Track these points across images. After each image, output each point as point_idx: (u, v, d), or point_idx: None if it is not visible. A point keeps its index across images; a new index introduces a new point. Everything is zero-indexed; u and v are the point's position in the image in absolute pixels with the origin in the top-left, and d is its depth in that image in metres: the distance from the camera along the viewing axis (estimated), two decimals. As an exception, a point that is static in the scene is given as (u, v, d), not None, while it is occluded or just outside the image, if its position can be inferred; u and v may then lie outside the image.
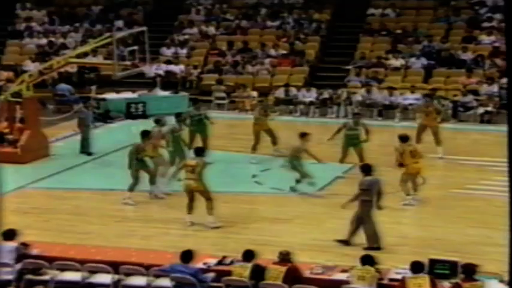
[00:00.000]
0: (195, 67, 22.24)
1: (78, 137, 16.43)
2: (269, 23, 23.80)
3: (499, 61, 19.78)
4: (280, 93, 19.98)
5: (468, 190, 12.63)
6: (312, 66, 21.95)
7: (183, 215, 11.37)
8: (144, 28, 18.22)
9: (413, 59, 21.17)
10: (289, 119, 18.96)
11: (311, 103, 19.66)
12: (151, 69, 21.44)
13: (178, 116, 14.10)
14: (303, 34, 23.08)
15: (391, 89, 19.43)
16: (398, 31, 22.49)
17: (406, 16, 23.20)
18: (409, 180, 11.95)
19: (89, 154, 15.14)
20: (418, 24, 22.59)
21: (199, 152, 11.44)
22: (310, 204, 12.13)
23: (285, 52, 22.23)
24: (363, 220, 10.21)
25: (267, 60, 21.96)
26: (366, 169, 10.46)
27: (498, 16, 21.49)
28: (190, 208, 11.07)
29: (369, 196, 10.21)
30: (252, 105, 19.53)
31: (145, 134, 12.66)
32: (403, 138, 12.30)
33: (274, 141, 14.85)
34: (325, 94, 19.83)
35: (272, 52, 22.40)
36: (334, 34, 23.15)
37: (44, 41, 23.75)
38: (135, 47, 17.38)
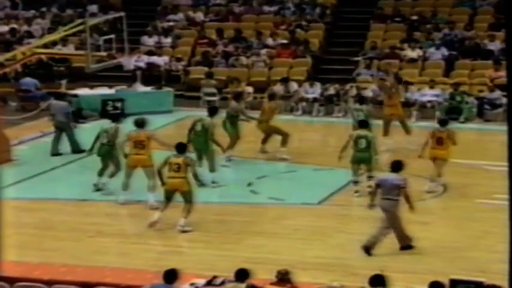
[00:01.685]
0: (181, 59, 22.25)
1: (46, 139, 16.40)
2: (266, 8, 23.82)
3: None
4: (279, 88, 19.98)
5: (496, 200, 12.63)
6: (315, 58, 21.96)
7: (165, 229, 11.34)
8: (122, 14, 18.24)
9: (432, 49, 21.20)
10: (290, 118, 18.93)
11: (315, 100, 19.67)
12: (131, 61, 21.43)
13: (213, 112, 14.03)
14: (305, 21, 23.09)
15: (406, 83, 19.45)
16: (415, 17, 22.53)
17: (424, 0, 23.23)
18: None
19: (82, 151, 15.10)
20: (438, 9, 22.64)
21: (181, 148, 11.57)
22: (314, 216, 12.13)
23: (284, 41, 22.24)
24: (394, 221, 10.42)
25: (264, 51, 21.96)
26: (396, 167, 10.59)
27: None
28: (164, 207, 11.36)
29: (396, 195, 10.40)
30: (247, 103, 19.54)
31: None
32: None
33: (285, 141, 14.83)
34: (331, 90, 19.85)
35: (269, 41, 22.41)
36: (341, 20, 23.17)
37: (5, 28, 23.70)
38: (112, 36, 17.42)
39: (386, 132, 15.63)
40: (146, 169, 12.42)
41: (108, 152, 12.97)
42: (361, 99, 16.12)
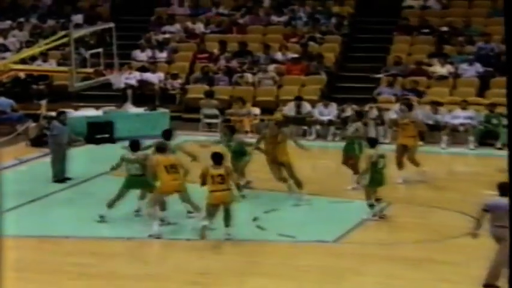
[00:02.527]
0: (178, 76, 22.36)
1: (22, 168, 16.46)
2: (274, 18, 23.98)
3: None
4: (289, 109, 20.03)
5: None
6: (331, 75, 22.04)
7: (159, 269, 11.33)
8: (111, 25, 18.36)
9: (464, 65, 21.25)
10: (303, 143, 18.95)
11: (330, 122, 19.71)
12: (121, 79, 21.55)
13: None
14: (319, 32, 23.23)
15: (435, 104, 19.47)
16: (445, 28, 22.62)
17: (455, 8, 23.36)
18: None
19: (63, 181, 15.50)
20: (471, 20, 22.75)
21: (220, 158, 12.44)
22: (328, 255, 12.09)
23: (295, 56, 22.35)
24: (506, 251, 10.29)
25: (272, 67, 22.07)
26: (505, 189, 10.31)
27: None
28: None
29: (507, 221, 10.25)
30: (253, 126, 19.60)
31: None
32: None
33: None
34: (349, 111, 19.87)
35: (278, 56, 22.53)
36: (360, 32, 23.30)
37: (-22, 41, 23.91)
38: (99, 50, 17.50)
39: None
40: (182, 194, 12.98)
41: (142, 182, 13.07)
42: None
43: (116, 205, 13.27)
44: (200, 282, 11.15)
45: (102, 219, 13.26)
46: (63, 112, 16.56)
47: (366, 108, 19.74)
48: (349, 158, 15.09)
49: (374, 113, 19.50)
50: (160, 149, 13.19)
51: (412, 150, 15.59)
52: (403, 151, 15.60)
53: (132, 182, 13.27)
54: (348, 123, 15.88)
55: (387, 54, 22.20)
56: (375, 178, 13.21)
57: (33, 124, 19.17)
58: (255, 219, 13.52)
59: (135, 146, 13.49)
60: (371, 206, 13.30)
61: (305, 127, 19.77)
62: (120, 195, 13.29)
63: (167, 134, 14.11)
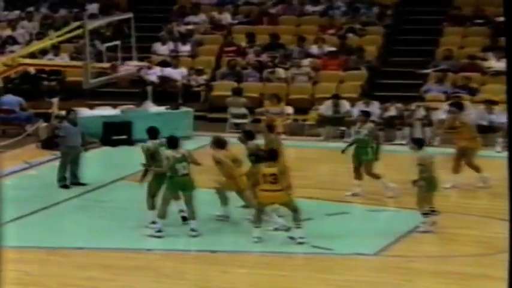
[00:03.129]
0: (202, 71, 22.40)
1: (32, 172, 16.57)
2: (309, 8, 23.96)
3: None
4: (326, 108, 19.97)
5: None
6: (372, 70, 21.96)
7: (178, 285, 11.35)
8: (130, 15, 18.44)
9: (522, 59, 21.04)
10: (340, 146, 18.87)
11: (371, 123, 19.57)
12: (140, 74, 21.62)
13: None
14: (359, 23, 23.15)
15: (489, 103, 19.28)
16: (501, 18, 22.41)
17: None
18: None
19: (68, 187, 15.59)
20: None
21: (275, 155, 12.70)
22: (368, 269, 12.03)
23: (332, 49, 22.31)
24: None
25: (307, 61, 22.03)
26: None
27: None
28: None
29: None
30: (286, 126, 19.54)
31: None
32: None
33: None
34: (392, 110, 19.77)
35: (314, 49, 22.49)
36: (405, 23, 23.19)
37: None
38: (117, 42, 17.58)
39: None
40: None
41: (191, 183, 13.15)
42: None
43: (167, 213, 13.09)
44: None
45: (158, 233, 12.98)
46: (73, 111, 16.59)
47: (412, 107, 19.64)
48: (360, 163, 14.99)
49: (421, 112, 19.38)
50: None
51: (471, 154, 15.47)
52: (462, 155, 15.49)
53: (181, 184, 12.98)
54: (357, 125, 15.76)
55: (436, 47, 22.09)
56: (430, 183, 13.10)
57: (44, 124, 19.29)
58: (287, 229, 13.48)
59: (175, 142, 13.29)
60: (425, 214, 13.14)
61: (343, 128, 19.68)
62: (166, 201, 13.03)
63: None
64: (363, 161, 15.02)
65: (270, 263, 12.35)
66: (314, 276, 11.78)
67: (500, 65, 21.04)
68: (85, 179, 15.97)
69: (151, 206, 13.41)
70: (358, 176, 15.06)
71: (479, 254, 12.35)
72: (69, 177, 15.68)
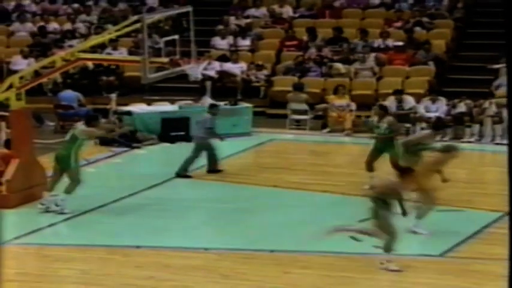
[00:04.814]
0: (262, 66, 22.54)
1: (90, 169, 16.89)
2: (374, 1, 23.91)
3: None
4: (390, 104, 19.94)
5: None
6: (440, 65, 21.86)
7: (239, 285, 11.45)
8: (189, 8, 18.62)
9: None
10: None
11: (439, 120, 19.53)
12: (198, 69, 21.83)
13: None
14: (428, 16, 23.05)
15: None
16: None
17: None
18: None
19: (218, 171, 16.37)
20: None
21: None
22: (434, 271, 12.02)
23: (399, 43, 22.27)
24: None
25: (371, 56, 22.03)
26: None
27: None
28: None
29: None
30: (354, 122, 19.58)
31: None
32: None
33: None
34: (461, 107, 19.68)
35: (379, 43, 22.46)
36: (477, 16, 23.02)
37: (44, 26, 24.58)
38: (175, 37, 17.76)
39: None
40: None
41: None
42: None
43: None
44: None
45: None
46: (216, 105, 17.32)
47: (482, 103, 19.52)
48: (377, 157, 15.11)
49: (492, 109, 19.24)
50: None
51: None
52: None
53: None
54: (375, 119, 15.76)
55: (509, 41, 21.78)
56: None
57: (103, 120, 19.61)
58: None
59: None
60: None
61: (408, 125, 19.64)
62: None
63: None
64: (390, 153, 15.04)
65: (333, 264, 12.39)
66: (378, 278, 11.81)
67: None
68: (142, 176, 16.22)
69: None
70: (370, 168, 15.22)
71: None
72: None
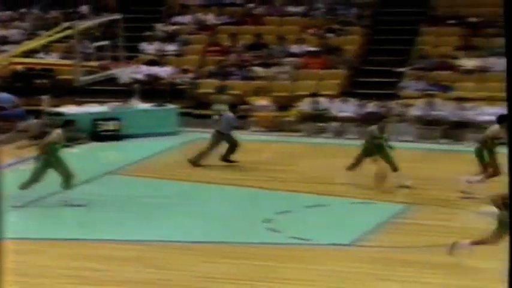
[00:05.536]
0: (188, 70, 22.49)
1: (23, 167, 16.63)
2: (291, 9, 24.03)
3: None
4: (306, 105, 20.11)
5: None
6: (351, 69, 22.07)
7: (166, 275, 11.41)
8: (119, 16, 18.51)
9: (493, 59, 21.23)
10: (318, 142, 19.07)
11: (349, 119, 19.75)
12: (127, 73, 21.70)
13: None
14: (339, 23, 23.25)
15: (461, 100, 19.48)
16: (474, 19, 22.58)
17: (486, -1, 23.26)
18: None
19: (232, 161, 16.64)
20: (502, 10, 22.64)
21: None
22: (345, 260, 12.14)
23: (313, 49, 22.41)
24: None
25: (288, 60, 22.14)
26: None
27: None
28: None
29: None
30: (273, 121, 19.68)
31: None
32: None
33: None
34: (370, 107, 19.92)
35: (295, 49, 22.59)
36: (383, 23, 23.29)
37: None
38: (106, 42, 17.65)
39: None
40: None
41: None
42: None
43: None
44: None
45: None
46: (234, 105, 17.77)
47: (389, 104, 19.78)
48: (366, 157, 15.17)
49: (397, 109, 19.53)
50: None
51: None
52: None
53: None
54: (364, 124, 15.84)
55: (412, 46, 22.19)
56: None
57: (35, 121, 19.35)
58: (267, 220, 13.61)
59: None
60: None
61: (322, 124, 19.82)
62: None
63: None
64: (380, 155, 15.03)
65: (253, 253, 12.42)
66: (294, 267, 11.86)
67: (472, 63, 21.26)
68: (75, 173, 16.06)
69: None
70: (354, 167, 15.14)
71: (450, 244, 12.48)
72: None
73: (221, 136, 16.83)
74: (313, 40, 22.75)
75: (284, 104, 20.58)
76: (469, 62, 21.23)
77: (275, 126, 19.89)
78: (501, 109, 19.22)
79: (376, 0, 23.81)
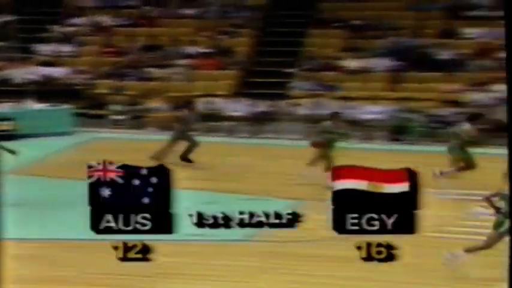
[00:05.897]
0: (84, 71, 22.13)
1: None
2: (185, 11, 23.93)
3: (488, 61, 20.46)
4: (200, 105, 20.07)
5: (444, 234, 12.89)
6: (243, 70, 22.13)
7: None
8: (13, 17, 18.05)
9: (375, 60, 21.66)
10: (213, 140, 19.05)
11: (241, 118, 19.82)
12: (22, 73, 21.24)
13: None
14: (231, 26, 23.28)
15: (346, 99, 19.80)
16: (357, 22, 22.96)
17: (368, 3, 23.69)
18: None
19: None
20: (384, 14, 23.14)
21: None
22: (238, 254, 12.17)
23: (206, 50, 22.37)
24: None
25: (183, 61, 22.04)
26: None
27: (486, 1, 22.21)
28: None
29: None
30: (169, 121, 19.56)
31: None
32: None
33: None
34: (261, 106, 20.03)
35: (189, 50, 22.51)
36: (274, 26, 23.45)
37: None
38: (0, 43, 17.20)
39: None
40: None
41: None
42: None
43: None
44: (107, 284, 11.08)
45: None
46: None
47: (279, 103, 19.96)
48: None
49: (287, 108, 19.72)
50: None
51: None
52: None
53: None
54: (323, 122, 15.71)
55: (301, 48, 22.42)
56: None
57: None
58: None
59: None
60: None
61: (215, 123, 19.84)
62: None
63: None
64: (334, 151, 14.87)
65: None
66: (190, 262, 11.82)
67: (355, 64, 21.64)
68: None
69: None
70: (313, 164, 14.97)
71: (329, 238, 12.61)
72: None
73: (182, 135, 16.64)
74: (206, 42, 22.72)
75: (178, 104, 20.47)
76: (353, 63, 21.60)
77: (170, 126, 19.76)
78: (383, 107, 19.70)
79: (267, 3, 23.95)
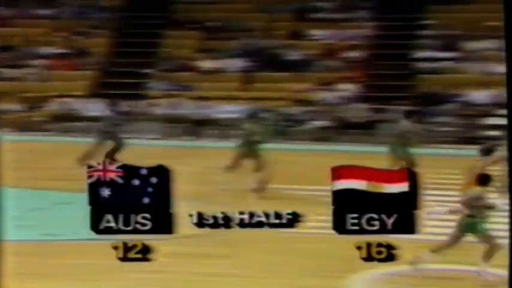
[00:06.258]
0: None
1: None
2: (40, 11, 23.26)
3: (334, 61, 20.92)
4: (55, 106, 19.53)
5: (298, 229, 12.96)
6: (99, 70, 21.71)
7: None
8: None
9: (229, 60, 21.76)
10: (67, 141, 18.57)
11: (97, 119, 19.38)
12: None
13: None
14: (87, 27, 22.79)
15: (201, 98, 19.78)
16: (211, 24, 22.97)
17: (221, 5, 23.73)
18: None
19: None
20: (234, 15, 23.23)
21: None
22: (86, 252, 11.88)
23: (62, 51, 21.81)
24: None
25: (37, 62, 21.40)
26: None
27: (331, 4, 22.71)
28: None
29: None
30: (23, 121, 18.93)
31: None
32: None
33: None
34: (120, 106, 19.69)
35: (44, 50, 21.89)
36: (130, 27, 23.12)
37: None
38: None
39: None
40: None
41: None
42: None
43: None
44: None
45: None
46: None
47: (136, 103, 19.72)
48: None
49: (145, 107, 19.54)
50: None
51: None
52: None
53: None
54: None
55: (157, 49, 22.23)
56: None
57: None
58: (16, 218, 12.99)
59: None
60: None
61: (70, 123, 19.39)
62: None
63: None
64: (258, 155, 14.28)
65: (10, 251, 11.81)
66: (46, 262, 11.45)
67: (209, 64, 21.66)
68: None
69: None
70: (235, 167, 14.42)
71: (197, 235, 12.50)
72: None
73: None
74: (62, 42, 22.15)
75: (33, 105, 19.88)
76: (207, 64, 21.62)
77: (25, 127, 19.14)
78: (237, 106, 19.77)
79: (122, 5, 23.59)
